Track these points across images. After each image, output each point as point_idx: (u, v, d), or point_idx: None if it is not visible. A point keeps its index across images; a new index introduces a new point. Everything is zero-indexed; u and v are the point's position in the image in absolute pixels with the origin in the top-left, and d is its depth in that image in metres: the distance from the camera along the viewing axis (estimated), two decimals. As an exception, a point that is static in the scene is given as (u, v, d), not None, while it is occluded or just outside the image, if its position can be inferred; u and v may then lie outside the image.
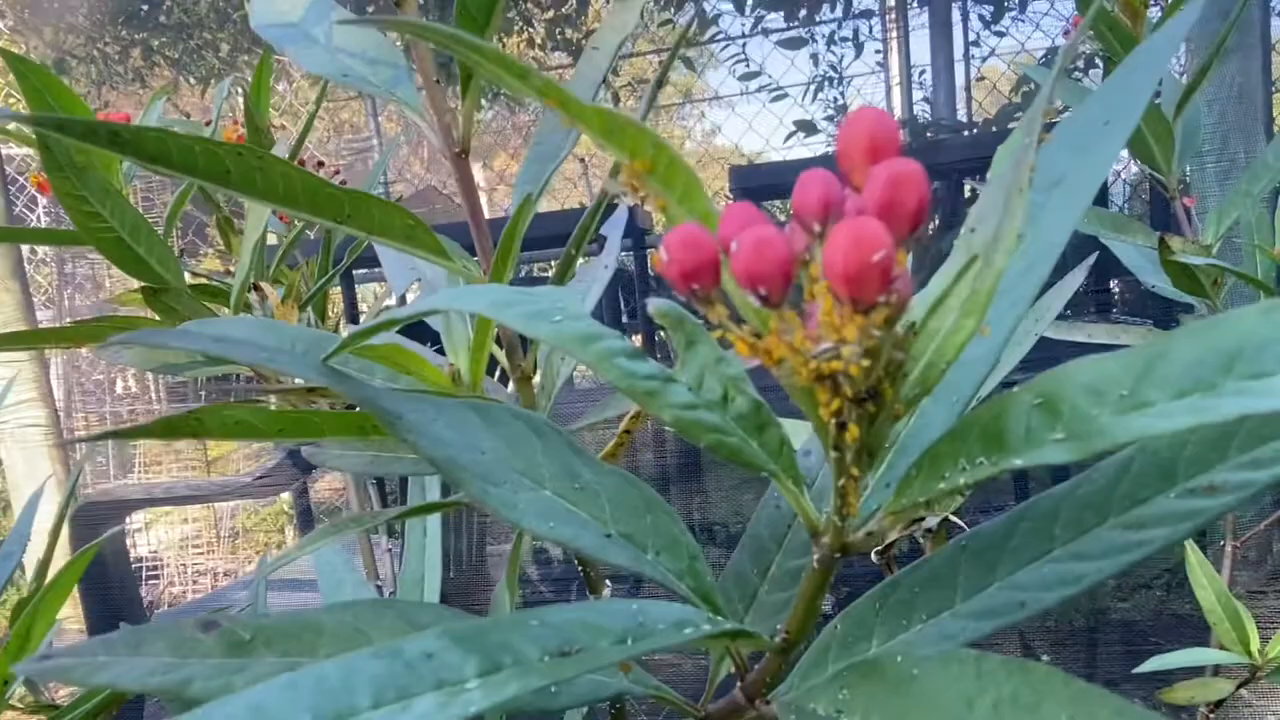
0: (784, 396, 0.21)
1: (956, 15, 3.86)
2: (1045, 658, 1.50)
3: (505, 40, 4.17)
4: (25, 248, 2.61)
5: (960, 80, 3.92)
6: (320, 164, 0.98)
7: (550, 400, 0.37)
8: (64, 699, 0.58)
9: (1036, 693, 0.17)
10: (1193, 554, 0.82)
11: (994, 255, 0.18)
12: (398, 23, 0.19)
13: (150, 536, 3.51)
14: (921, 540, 0.60)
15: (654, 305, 0.20)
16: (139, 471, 3.64)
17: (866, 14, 4.13)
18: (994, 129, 3.45)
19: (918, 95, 4.09)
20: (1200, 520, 0.24)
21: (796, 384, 0.17)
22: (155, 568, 3.30)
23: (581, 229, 0.36)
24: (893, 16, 4.09)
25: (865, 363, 0.16)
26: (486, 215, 0.39)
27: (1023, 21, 3.89)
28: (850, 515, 0.20)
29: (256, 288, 0.77)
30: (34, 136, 0.63)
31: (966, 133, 3.68)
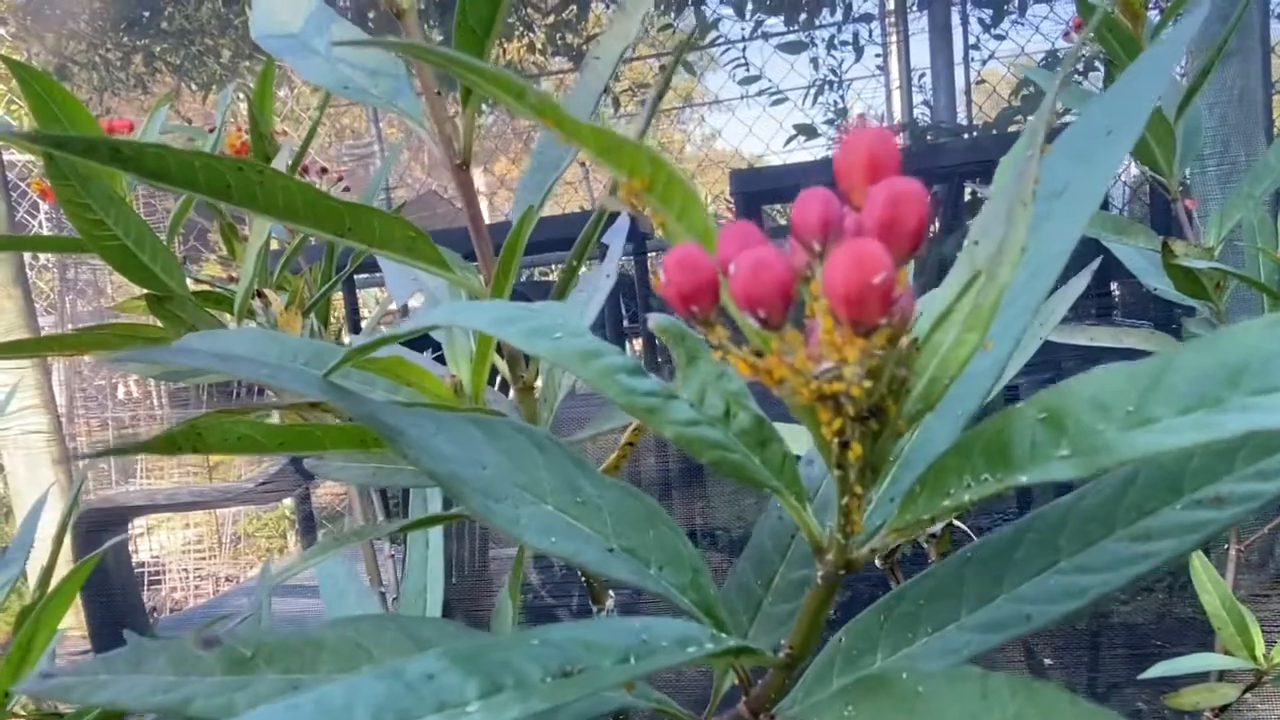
0: (775, 403, 0.21)
1: (956, 19, 3.86)
2: (1048, 661, 1.50)
3: (506, 45, 4.18)
4: (27, 254, 2.61)
5: (960, 83, 3.92)
6: (323, 170, 0.98)
7: (552, 412, 0.37)
8: (68, 705, 0.58)
9: (1042, 713, 0.17)
10: (1196, 558, 0.82)
11: (998, 270, 0.18)
12: (398, 44, 0.19)
13: (152, 541, 3.51)
14: (925, 545, 0.60)
15: (655, 321, 0.20)
16: (141, 477, 3.64)
17: (866, 18, 4.14)
18: (994, 132, 3.45)
19: (918, 98, 4.09)
20: (1207, 532, 0.24)
21: (798, 403, 0.16)
22: (157, 573, 3.30)
23: (583, 239, 0.36)
24: (892, 20, 4.09)
25: (868, 384, 0.15)
26: (487, 220, 0.39)
27: (1022, 25, 3.89)
28: (854, 532, 0.20)
29: (260, 294, 0.77)
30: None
31: (966, 136, 3.68)
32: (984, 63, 4.01)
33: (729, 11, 4.00)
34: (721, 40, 4.14)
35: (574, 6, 4.09)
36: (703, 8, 4.05)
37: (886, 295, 0.14)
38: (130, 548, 2.56)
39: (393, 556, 1.54)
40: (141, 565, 3.14)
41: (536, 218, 0.34)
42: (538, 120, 0.17)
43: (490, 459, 0.26)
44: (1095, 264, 0.53)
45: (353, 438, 0.32)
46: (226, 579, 3.37)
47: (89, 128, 0.68)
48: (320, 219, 0.30)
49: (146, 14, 4.14)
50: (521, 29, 4.10)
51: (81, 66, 4.18)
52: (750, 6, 3.94)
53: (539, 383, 0.38)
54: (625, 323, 2.95)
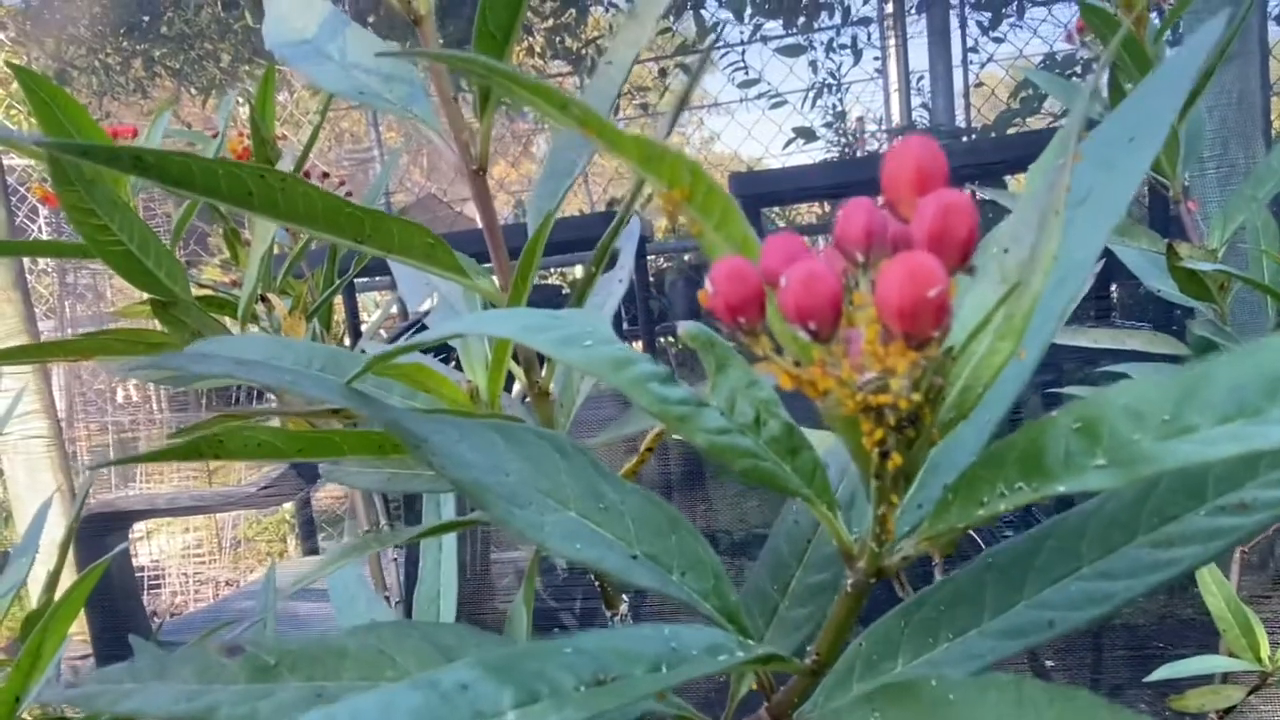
0: (791, 400, 0.21)
1: (954, 22, 3.87)
2: (1050, 663, 1.50)
3: (504, 48, 4.16)
4: (26, 258, 2.60)
5: (958, 86, 3.93)
6: (325, 175, 0.98)
7: (569, 418, 0.37)
8: (76, 711, 0.58)
9: (1080, 720, 0.17)
10: (1202, 561, 0.82)
11: (1031, 278, 0.18)
12: (440, 55, 0.19)
13: (152, 545, 3.50)
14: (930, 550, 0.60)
15: (684, 329, 0.20)
16: (140, 481, 3.63)
17: (864, 21, 4.14)
18: (993, 134, 3.45)
19: (916, 101, 4.10)
20: (1231, 539, 0.24)
21: (840, 414, 0.16)
22: (158, 577, 3.29)
23: (602, 246, 0.36)
24: (890, 24, 4.10)
25: (916, 396, 0.15)
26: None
27: (1020, 27, 3.90)
28: (888, 540, 0.20)
29: (264, 299, 0.77)
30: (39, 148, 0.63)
31: (965, 138, 3.68)
32: (982, 65, 4.02)
33: (728, 15, 4.00)
34: (721, 44, 4.14)
35: (573, 10, 4.10)
36: (702, 11, 4.06)
37: (941, 308, 0.15)
38: (130, 552, 2.55)
39: (395, 560, 1.53)
40: (141, 569, 3.14)
41: (552, 224, 0.34)
42: (581, 131, 0.17)
43: (513, 465, 0.26)
44: (1098, 267, 0.54)
45: (370, 444, 0.32)
46: (227, 583, 3.36)
47: (94, 134, 0.68)
48: (340, 226, 0.30)
49: (146, 19, 4.14)
50: (521, 32, 4.10)
51: (81, 71, 4.18)
52: (749, 10, 3.94)
53: (554, 388, 0.38)
54: (625, 325, 2.96)
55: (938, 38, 3.78)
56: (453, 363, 0.46)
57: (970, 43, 3.97)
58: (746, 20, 4.00)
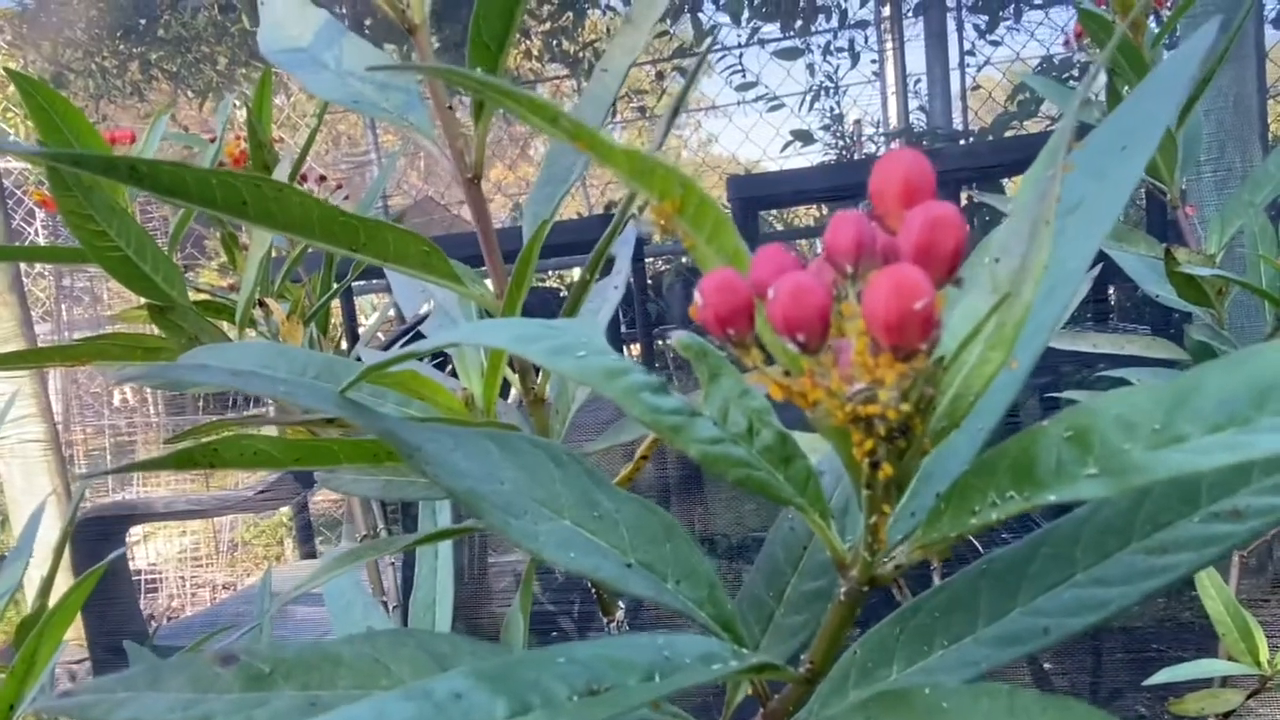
0: (786, 406, 0.21)
1: (951, 25, 3.88)
2: (1049, 666, 1.50)
3: (502, 52, 4.16)
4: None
5: (955, 89, 3.94)
6: (322, 178, 0.98)
7: (565, 425, 0.37)
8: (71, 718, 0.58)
9: (1072, 730, 0.17)
10: (1200, 564, 0.82)
11: (1022, 288, 0.18)
12: (433, 70, 0.19)
13: (149, 549, 3.50)
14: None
15: (678, 338, 0.20)
16: (138, 484, 3.63)
17: (862, 24, 4.15)
18: (990, 138, 3.46)
19: (913, 104, 4.11)
20: (1225, 546, 0.24)
21: (830, 425, 0.17)
22: (154, 580, 3.29)
23: (598, 252, 0.36)
24: (888, 26, 4.10)
25: (905, 407, 0.16)
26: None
27: (1017, 31, 3.91)
28: (880, 549, 0.20)
29: (261, 304, 0.77)
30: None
31: (962, 141, 3.69)
32: (979, 69, 4.02)
33: (725, 18, 4.01)
34: (718, 47, 4.15)
35: (570, 14, 4.10)
36: (699, 14, 4.06)
37: (928, 321, 0.15)
38: (127, 555, 2.54)
39: (393, 564, 1.53)
40: (138, 573, 3.13)
41: (548, 230, 0.35)
42: (573, 144, 0.17)
43: (508, 474, 0.26)
44: (1096, 270, 0.54)
45: (366, 452, 0.32)
46: (224, 586, 3.36)
47: (91, 139, 0.68)
48: (335, 235, 0.30)
49: (143, 22, 4.14)
50: (518, 36, 4.10)
51: (78, 74, 4.17)
52: (747, 13, 3.95)
53: (550, 394, 0.38)
54: (623, 328, 2.96)
55: (935, 41, 3.79)
56: (448, 369, 0.46)
57: (967, 46, 3.98)
58: (744, 23, 4.01)
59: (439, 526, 0.45)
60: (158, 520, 3.03)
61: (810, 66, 4.14)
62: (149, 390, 4.04)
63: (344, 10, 3.67)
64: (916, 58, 4.00)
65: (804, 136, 3.97)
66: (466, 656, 0.27)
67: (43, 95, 0.67)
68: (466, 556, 1.78)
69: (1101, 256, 0.73)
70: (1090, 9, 0.74)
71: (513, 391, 0.41)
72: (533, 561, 0.42)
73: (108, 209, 0.58)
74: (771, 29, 4.12)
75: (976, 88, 4.12)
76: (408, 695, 0.18)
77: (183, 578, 3.38)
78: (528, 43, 4.19)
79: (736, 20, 3.98)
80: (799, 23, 4.08)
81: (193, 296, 0.71)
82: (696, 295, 0.17)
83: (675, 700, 0.30)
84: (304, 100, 5.23)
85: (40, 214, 3.73)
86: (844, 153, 4.06)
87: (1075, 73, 3.29)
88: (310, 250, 0.80)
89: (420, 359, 0.39)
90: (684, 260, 3.56)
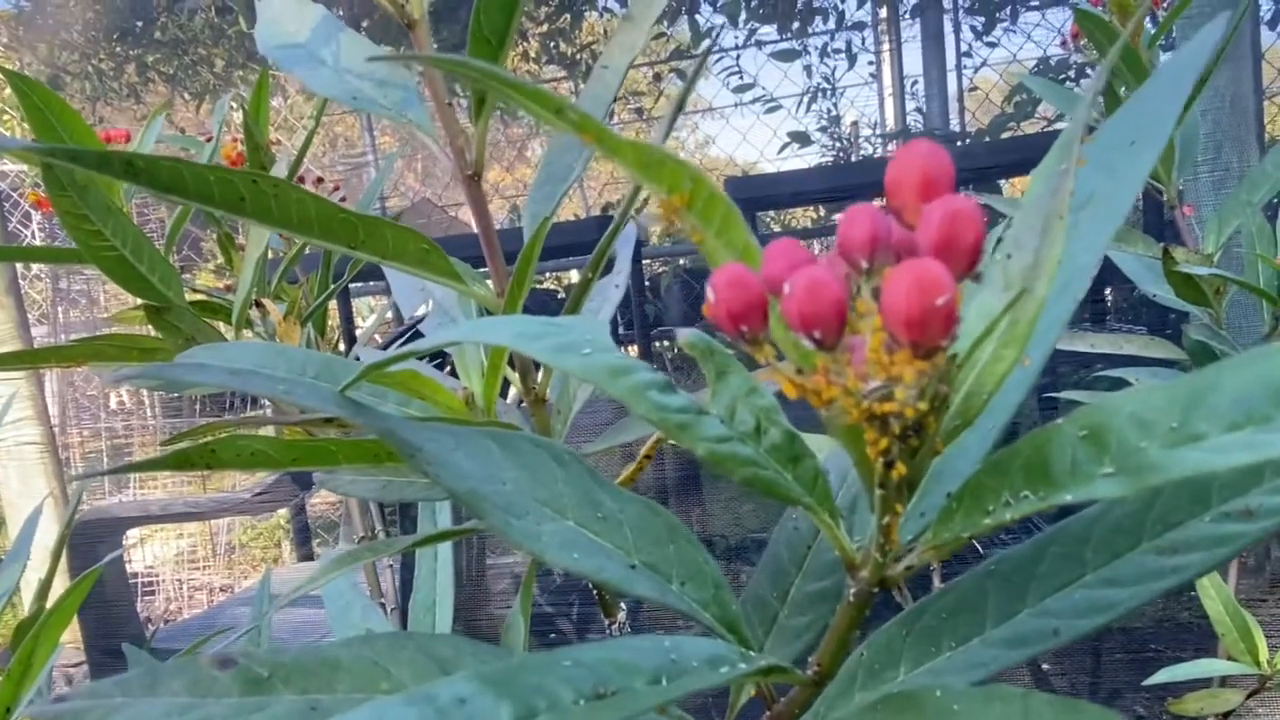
0: (787, 404, 0.20)
1: (948, 26, 3.88)
2: (1047, 667, 1.50)
3: (499, 53, 4.16)
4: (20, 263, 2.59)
5: (953, 90, 3.94)
6: (319, 180, 0.98)
7: (566, 425, 0.37)
8: None
9: (1088, 734, 0.17)
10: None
11: (1036, 284, 0.18)
12: (433, 59, 0.19)
13: (146, 552, 3.48)
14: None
15: (684, 336, 0.20)
16: (135, 486, 3.62)
17: (859, 26, 4.16)
18: (987, 139, 3.46)
19: (910, 106, 4.11)
20: (1237, 546, 0.24)
21: (844, 423, 0.16)
22: (151, 583, 3.28)
23: (599, 251, 0.35)
24: (885, 28, 4.11)
25: (922, 405, 0.15)
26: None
27: (1014, 32, 3.92)
28: (892, 550, 0.20)
29: (258, 304, 0.76)
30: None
31: (959, 143, 3.69)
32: (976, 70, 4.03)
33: (723, 20, 4.01)
34: (715, 49, 4.15)
35: (568, 15, 4.10)
36: (697, 17, 4.06)
37: (949, 317, 0.14)
38: (124, 558, 2.54)
39: (391, 566, 1.52)
40: (135, 576, 3.12)
41: (549, 229, 0.34)
42: (578, 136, 0.17)
43: (509, 474, 0.26)
44: (1095, 269, 0.53)
45: (365, 452, 0.32)
46: (221, 589, 3.34)
47: (87, 139, 0.68)
48: (334, 232, 0.29)
49: (139, 24, 4.13)
50: (515, 37, 4.10)
51: (74, 76, 4.16)
52: (744, 15, 3.95)
53: (551, 394, 0.38)
54: (620, 330, 2.95)
55: (931, 42, 3.80)
56: (448, 368, 0.46)
57: (964, 47, 3.99)
58: (741, 25, 4.01)
59: (439, 528, 0.44)
60: (155, 523, 3.02)
61: (807, 68, 4.14)
62: (145, 393, 4.03)
63: (341, 12, 3.67)
64: (913, 59, 4.01)
65: (801, 138, 3.98)
66: (469, 660, 0.27)
67: (38, 95, 0.66)
68: (465, 559, 1.77)
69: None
70: (1087, 9, 0.74)
71: (512, 391, 0.40)
72: (533, 563, 0.42)
73: (103, 208, 0.58)
74: (769, 30, 4.12)
75: (973, 89, 4.12)
76: (410, 700, 0.18)
77: (180, 580, 3.37)
78: (525, 45, 4.19)
79: (734, 22, 3.98)
80: (796, 24, 4.08)
81: (189, 298, 0.70)
82: (708, 291, 0.16)
83: (676, 702, 0.30)
84: (301, 102, 5.23)
85: (37, 217, 3.72)
86: (841, 154, 4.06)
87: (1072, 74, 3.29)
88: (308, 251, 0.79)
89: (420, 358, 0.39)
90: (681, 262, 3.55)
